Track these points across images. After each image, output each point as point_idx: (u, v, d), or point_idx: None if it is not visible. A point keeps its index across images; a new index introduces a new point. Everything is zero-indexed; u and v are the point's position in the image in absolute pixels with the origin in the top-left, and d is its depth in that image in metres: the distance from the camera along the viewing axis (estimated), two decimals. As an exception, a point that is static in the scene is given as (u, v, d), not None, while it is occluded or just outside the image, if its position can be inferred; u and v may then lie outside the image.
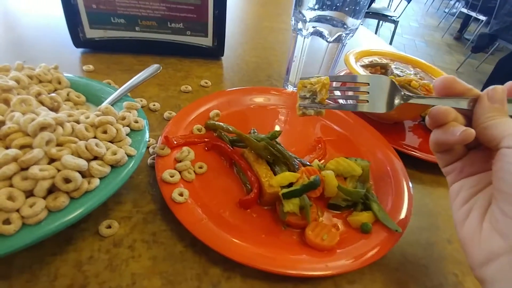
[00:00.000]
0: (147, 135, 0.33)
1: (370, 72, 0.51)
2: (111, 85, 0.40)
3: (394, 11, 3.32)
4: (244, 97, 0.50)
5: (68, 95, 0.36)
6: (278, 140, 0.43)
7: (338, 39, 0.49)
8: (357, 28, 0.49)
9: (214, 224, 0.31)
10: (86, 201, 0.25)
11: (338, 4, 0.45)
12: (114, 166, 0.28)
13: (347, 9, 0.46)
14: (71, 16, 0.55)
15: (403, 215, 0.35)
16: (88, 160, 0.27)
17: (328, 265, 0.29)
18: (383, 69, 0.51)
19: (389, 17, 3.13)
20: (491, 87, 0.26)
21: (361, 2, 0.45)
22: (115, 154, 0.28)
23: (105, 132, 0.29)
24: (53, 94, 0.33)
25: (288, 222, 0.33)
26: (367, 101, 0.29)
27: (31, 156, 0.25)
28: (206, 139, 0.40)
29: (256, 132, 0.44)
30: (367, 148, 0.45)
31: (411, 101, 0.28)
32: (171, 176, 0.33)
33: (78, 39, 0.57)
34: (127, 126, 0.32)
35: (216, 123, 0.42)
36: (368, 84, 0.29)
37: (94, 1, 0.54)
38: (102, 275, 0.27)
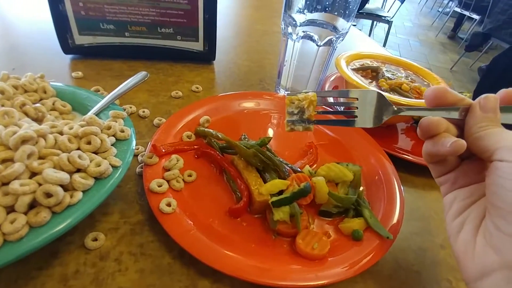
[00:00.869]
0: (133, 144, 0.32)
1: (361, 76, 0.50)
2: (98, 94, 0.39)
3: (388, 11, 3.33)
4: (235, 102, 0.50)
5: (54, 104, 0.36)
6: (269, 145, 0.42)
7: (329, 43, 0.48)
8: (347, 32, 0.48)
9: (203, 235, 0.30)
10: (69, 215, 0.25)
11: (327, 6, 0.45)
12: (98, 178, 0.28)
13: (336, 11, 0.46)
14: (60, 23, 0.54)
15: (395, 220, 0.35)
16: (71, 173, 0.26)
17: (319, 275, 0.29)
18: (374, 72, 0.51)
19: (383, 17, 3.14)
20: (483, 96, 0.25)
21: (350, 3, 0.45)
22: (99, 165, 0.27)
23: (89, 143, 0.29)
24: (37, 105, 0.33)
25: (279, 231, 0.32)
26: (356, 117, 0.29)
27: (12, 171, 0.24)
28: (195, 146, 0.40)
29: (247, 137, 0.43)
30: (359, 152, 0.45)
31: (401, 113, 0.28)
32: (159, 186, 0.33)
33: (67, 45, 0.57)
34: (112, 135, 0.31)
35: (206, 129, 0.41)
36: (357, 99, 0.29)
37: (83, 8, 0.53)
38: (87, 290, 0.27)
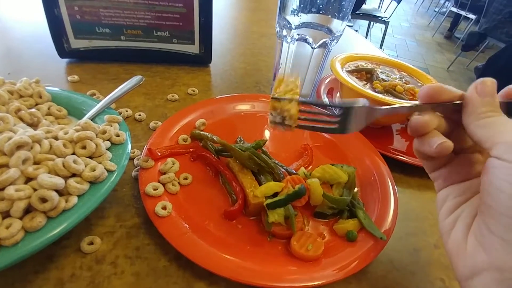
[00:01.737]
0: (128, 148, 0.32)
1: (355, 77, 0.51)
2: (93, 98, 0.39)
3: (384, 12, 3.34)
4: (231, 105, 0.50)
5: (49, 109, 0.36)
6: (265, 147, 0.43)
7: (323, 45, 0.49)
8: (341, 35, 0.49)
9: (199, 237, 0.31)
10: (64, 220, 0.25)
11: (321, 7, 0.45)
12: (93, 182, 0.28)
13: (330, 12, 0.46)
14: (55, 27, 0.54)
15: (389, 221, 0.35)
16: (66, 178, 0.26)
17: (313, 276, 0.29)
18: (368, 73, 0.52)
19: (380, 18, 3.15)
20: (478, 80, 0.24)
21: (344, 5, 0.45)
22: (94, 170, 0.27)
23: (84, 147, 0.29)
24: (33, 110, 0.33)
25: (274, 233, 0.33)
26: (337, 124, 0.28)
27: (7, 176, 0.24)
28: (191, 149, 0.40)
29: (243, 140, 0.43)
30: (354, 154, 0.45)
31: (383, 114, 0.27)
32: (155, 189, 0.33)
33: (63, 49, 0.57)
34: (108, 140, 0.32)
35: (201, 132, 0.42)
36: (342, 111, 0.27)
37: (78, 12, 0.54)
38: (84, 294, 0.27)
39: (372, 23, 3.45)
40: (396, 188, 0.39)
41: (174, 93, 0.54)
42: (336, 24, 0.47)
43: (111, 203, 0.35)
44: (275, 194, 0.34)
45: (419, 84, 0.53)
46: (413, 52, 3.87)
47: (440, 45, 4.29)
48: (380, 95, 0.46)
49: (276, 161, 0.40)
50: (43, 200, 0.24)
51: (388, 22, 3.18)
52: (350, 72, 0.52)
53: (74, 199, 0.26)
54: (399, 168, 0.46)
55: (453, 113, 0.25)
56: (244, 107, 0.50)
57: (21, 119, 0.32)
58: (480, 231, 0.22)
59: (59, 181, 0.25)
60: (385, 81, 0.50)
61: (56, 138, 0.29)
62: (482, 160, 0.26)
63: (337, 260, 0.31)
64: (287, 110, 0.27)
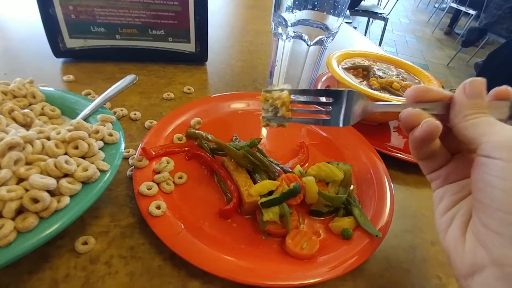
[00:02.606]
0: (122, 148, 0.32)
1: (352, 74, 0.51)
2: (87, 97, 0.39)
3: (383, 8, 3.33)
4: (226, 103, 0.50)
5: (43, 109, 0.36)
6: (261, 145, 0.43)
7: (319, 43, 0.49)
8: (337, 32, 0.48)
9: (193, 236, 0.30)
10: (56, 220, 0.25)
11: (316, 3, 0.45)
12: (86, 182, 0.28)
13: (326, 8, 0.45)
14: (50, 27, 0.54)
15: (385, 218, 0.35)
16: (58, 178, 0.26)
17: (307, 274, 0.29)
18: (365, 71, 0.51)
19: (379, 14, 3.14)
20: (468, 80, 0.24)
21: (340, 0, 0.45)
22: (86, 170, 0.27)
23: (76, 147, 0.29)
24: (26, 110, 0.33)
25: (269, 231, 0.33)
26: (330, 116, 0.28)
27: (-2, 177, 0.24)
28: (186, 148, 0.40)
29: (238, 139, 0.43)
30: (351, 151, 0.45)
31: (377, 110, 0.27)
32: (149, 189, 0.33)
33: (58, 49, 0.56)
34: (101, 139, 0.32)
35: (196, 131, 0.42)
36: (331, 98, 0.28)
37: (73, 11, 0.53)
38: (78, 294, 0.27)
39: (371, 19, 3.43)
40: (392, 185, 0.39)
41: (170, 91, 0.54)
42: (332, 21, 0.47)
43: (105, 203, 0.35)
44: (270, 193, 0.34)
45: (416, 81, 0.53)
46: (413, 49, 3.85)
47: (440, 41, 4.27)
48: (377, 92, 0.45)
49: (272, 159, 0.40)
50: (35, 200, 0.24)
51: (387, 18, 3.16)
52: (347, 69, 0.52)
53: (66, 200, 0.25)
54: (396, 165, 0.46)
55: (445, 116, 0.25)
56: (239, 105, 0.50)
57: (15, 120, 0.32)
58: (477, 228, 0.22)
59: (50, 182, 0.25)
60: (381, 78, 0.50)
61: (48, 138, 0.29)
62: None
63: (332, 258, 0.31)
64: (279, 98, 0.27)
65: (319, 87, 0.59)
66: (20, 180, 0.26)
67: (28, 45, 0.63)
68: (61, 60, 0.59)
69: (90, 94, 0.49)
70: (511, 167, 0.20)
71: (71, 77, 0.54)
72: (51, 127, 0.30)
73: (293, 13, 0.46)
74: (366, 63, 0.54)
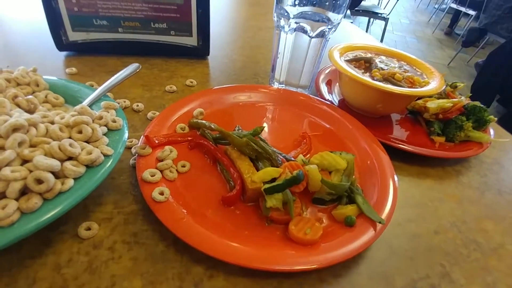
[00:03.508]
0: (126, 134, 0.32)
1: (354, 66, 0.51)
2: (90, 86, 0.39)
3: (384, 8, 3.34)
4: (229, 95, 0.50)
5: (46, 97, 0.36)
6: (263, 137, 0.43)
7: (321, 34, 0.49)
8: (339, 23, 0.49)
9: (196, 223, 0.30)
10: (60, 202, 0.25)
11: (315, 2, 0.45)
12: (90, 166, 0.28)
13: (327, 4, 0.46)
14: (53, 20, 0.54)
15: (388, 207, 0.35)
16: (62, 161, 0.26)
17: (311, 259, 0.29)
18: (367, 63, 0.51)
19: (379, 15, 3.14)
20: None
21: (339, -1, 0.45)
22: (90, 154, 0.27)
23: (80, 132, 0.29)
24: (30, 96, 0.33)
25: (272, 218, 0.32)
26: None
27: (3, 158, 0.24)
28: (189, 138, 0.40)
29: (241, 129, 0.43)
30: (353, 142, 0.45)
31: None
32: (152, 175, 0.33)
33: (61, 42, 0.57)
34: (104, 125, 0.32)
35: (199, 121, 0.41)
36: None
37: (76, 4, 0.53)
38: (81, 278, 0.27)
39: (371, 20, 3.44)
40: (395, 175, 0.39)
41: (172, 84, 0.54)
42: (333, 16, 0.47)
43: (108, 191, 0.35)
44: (273, 181, 0.34)
45: (418, 73, 0.53)
46: (413, 49, 3.86)
47: (440, 41, 4.27)
48: (379, 83, 0.45)
49: (274, 149, 0.40)
50: (39, 181, 0.24)
51: (388, 18, 3.17)
52: (349, 61, 0.52)
53: (70, 182, 0.25)
54: (399, 156, 0.46)
55: None
56: (242, 97, 0.50)
57: (18, 106, 0.32)
58: None
59: (54, 163, 0.25)
60: (384, 69, 0.50)
61: (52, 123, 0.29)
62: None
63: (336, 244, 0.31)
64: None
65: (320, 81, 0.59)
66: (24, 162, 0.26)
67: (31, 38, 0.63)
68: (63, 53, 0.59)
69: (93, 86, 0.49)
70: None
71: (74, 69, 0.54)
72: (55, 112, 0.30)
73: (295, 7, 0.46)
74: (368, 55, 0.54)
